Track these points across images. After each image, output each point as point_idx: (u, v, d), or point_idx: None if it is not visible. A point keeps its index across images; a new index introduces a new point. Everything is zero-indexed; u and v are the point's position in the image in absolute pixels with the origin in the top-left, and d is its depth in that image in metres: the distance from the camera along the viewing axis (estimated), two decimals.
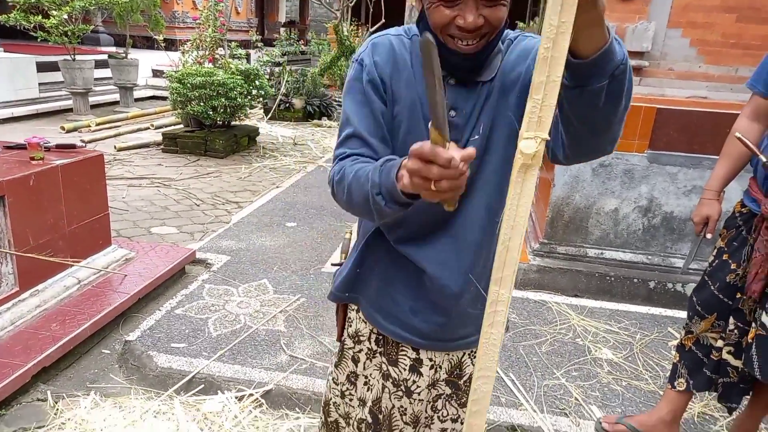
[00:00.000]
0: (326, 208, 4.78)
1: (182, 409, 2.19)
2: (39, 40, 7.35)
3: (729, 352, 1.89)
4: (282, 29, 16.29)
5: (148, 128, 7.64)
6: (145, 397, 2.29)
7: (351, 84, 1.09)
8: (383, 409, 1.26)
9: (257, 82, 6.79)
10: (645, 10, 3.20)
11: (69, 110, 8.41)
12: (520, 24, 10.87)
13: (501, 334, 0.77)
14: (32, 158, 2.68)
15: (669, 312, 3.19)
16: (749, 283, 1.79)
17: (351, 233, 1.50)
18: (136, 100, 9.70)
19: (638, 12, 3.21)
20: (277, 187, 5.43)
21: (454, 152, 0.74)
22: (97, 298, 2.77)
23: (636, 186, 3.32)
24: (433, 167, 0.74)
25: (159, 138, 6.78)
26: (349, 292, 1.24)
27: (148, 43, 13.04)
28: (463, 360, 1.23)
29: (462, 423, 1.26)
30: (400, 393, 1.23)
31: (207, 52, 7.30)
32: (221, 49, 7.43)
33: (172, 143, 6.52)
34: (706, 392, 2.42)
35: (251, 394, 2.29)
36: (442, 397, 1.24)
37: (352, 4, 10.66)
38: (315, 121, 9.01)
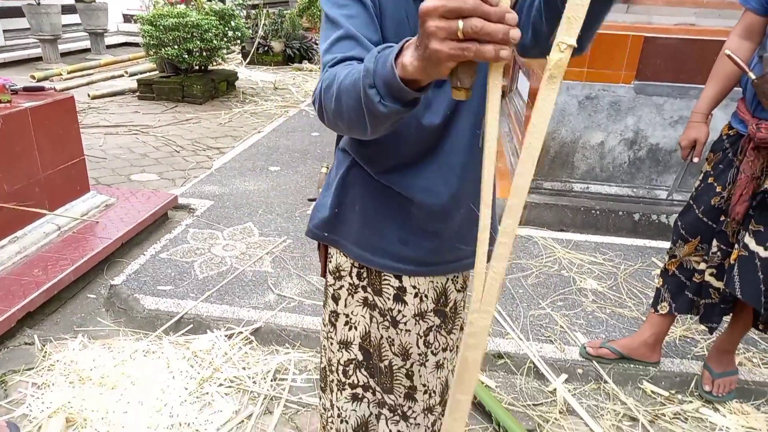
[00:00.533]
0: (310, 152, 4.70)
1: (172, 348, 2.20)
2: None
3: (711, 274, 1.92)
4: None
5: (122, 76, 7.38)
6: (134, 338, 2.29)
7: None
8: (373, 341, 1.23)
9: (233, 23, 6.53)
10: None
11: (38, 59, 8.08)
12: None
13: (504, 269, 0.73)
14: None
15: (653, 243, 3.23)
16: (733, 204, 1.80)
17: (328, 167, 1.45)
18: (108, 47, 9.33)
19: None
20: (259, 132, 5.32)
21: None
22: (79, 243, 2.73)
23: (622, 118, 3.29)
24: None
25: (134, 85, 6.56)
26: (328, 232, 1.18)
27: None
28: (447, 286, 1.21)
29: (451, 350, 1.26)
30: (387, 323, 1.20)
31: None
32: None
33: (147, 90, 6.31)
34: (688, 316, 2.49)
35: (240, 332, 2.29)
36: (433, 329, 1.21)
37: None
38: (295, 64, 8.76)
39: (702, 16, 3.19)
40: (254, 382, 2.06)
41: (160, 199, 3.30)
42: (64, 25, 8.04)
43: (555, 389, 2.09)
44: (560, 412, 2.01)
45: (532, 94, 3.75)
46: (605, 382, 2.15)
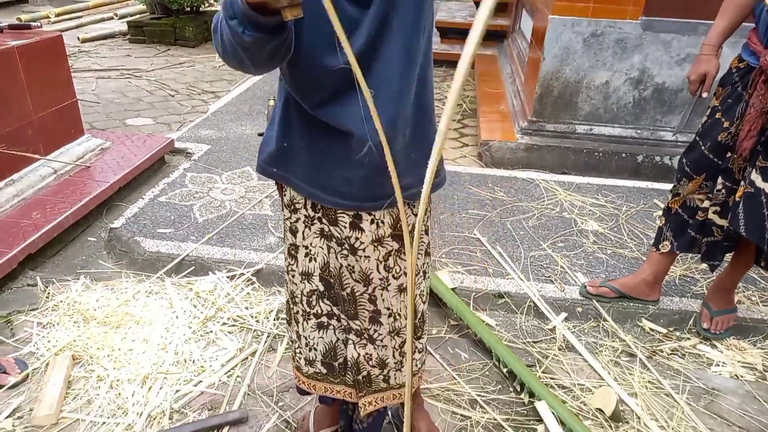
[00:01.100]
0: None
1: (174, 289, 2.21)
2: None
3: (715, 212, 1.90)
4: None
5: (112, 18, 7.15)
6: (136, 279, 2.30)
7: None
8: (332, 271, 1.25)
9: None
10: None
11: (24, 1, 7.79)
12: None
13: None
14: None
15: (656, 185, 3.20)
16: (741, 140, 1.76)
17: (274, 99, 1.41)
18: None
19: None
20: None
21: None
22: (76, 187, 2.70)
23: (628, 57, 3.19)
24: None
25: (125, 28, 6.36)
26: (277, 168, 1.17)
27: None
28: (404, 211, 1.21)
29: (416, 274, 1.26)
30: (345, 252, 1.21)
31: None
32: None
33: (139, 32, 6.13)
34: (689, 256, 2.50)
35: (242, 274, 2.30)
36: (392, 253, 1.22)
37: None
38: None
39: None
40: (257, 321, 2.08)
41: (157, 142, 3.24)
42: None
43: (554, 327, 2.12)
44: (559, 349, 2.04)
45: (536, 34, 3.63)
46: (604, 320, 2.17)
